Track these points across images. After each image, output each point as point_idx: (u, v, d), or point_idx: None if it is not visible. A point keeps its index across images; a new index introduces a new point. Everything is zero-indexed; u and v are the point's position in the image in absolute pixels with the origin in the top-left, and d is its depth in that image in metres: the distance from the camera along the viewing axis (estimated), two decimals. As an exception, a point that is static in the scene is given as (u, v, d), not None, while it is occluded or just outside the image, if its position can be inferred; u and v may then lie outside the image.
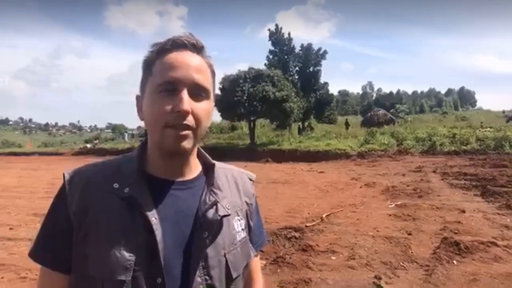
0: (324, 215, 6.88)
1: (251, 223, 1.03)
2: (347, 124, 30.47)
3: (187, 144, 0.85)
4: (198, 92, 0.86)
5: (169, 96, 0.83)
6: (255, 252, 1.04)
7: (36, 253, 0.88)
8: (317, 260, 4.64)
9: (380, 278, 4.03)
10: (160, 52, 0.86)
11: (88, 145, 33.35)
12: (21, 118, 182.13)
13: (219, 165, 1.01)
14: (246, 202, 1.02)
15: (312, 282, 4.00)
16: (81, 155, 27.15)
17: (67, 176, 0.89)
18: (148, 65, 0.88)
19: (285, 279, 4.08)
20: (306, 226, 6.12)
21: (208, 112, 0.88)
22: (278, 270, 4.34)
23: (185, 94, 0.83)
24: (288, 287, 3.93)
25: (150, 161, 0.91)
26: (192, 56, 0.87)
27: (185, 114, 0.82)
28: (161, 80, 0.84)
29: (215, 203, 0.91)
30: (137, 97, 0.92)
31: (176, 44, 0.86)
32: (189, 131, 0.84)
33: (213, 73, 0.92)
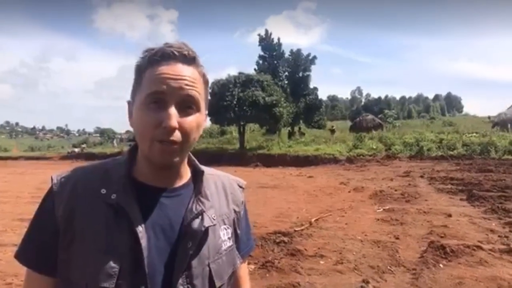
0: (312, 220, 6.91)
1: (238, 231, 1.02)
2: (332, 131, 28.49)
3: (174, 158, 0.84)
4: (188, 105, 0.84)
5: (157, 109, 0.81)
6: (241, 259, 1.03)
7: (22, 255, 0.88)
8: (306, 264, 4.65)
9: (368, 282, 4.06)
10: (150, 62, 0.85)
11: (76, 150, 32.99)
12: (7, 122, 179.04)
13: (208, 172, 1.00)
14: (234, 210, 1.01)
15: (301, 286, 4.00)
16: (69, 159, 26.78)
17: (55, 180, 0.88)
18: (139, 72, 0.86)
19: (273, 283, 4.08)
20: (294, 230, 6.13)
21: (197, 125, 0.86)
22: (267, 275, 4.33)
23: (172, 109, 0.81)
24: (276, 292, 3.93)
25: (139, 168, 0.90)
26: (182, 68, 0.84)
27: (171, 130, 0.80)
28: (149, 93, 0.82)
29: (201, 213, 0.89)
30: (129, 103, 0.90)
31: (166, 55, 0.84)
32: (176, 146, 0.83)
33: (205, 83, 0.91)
